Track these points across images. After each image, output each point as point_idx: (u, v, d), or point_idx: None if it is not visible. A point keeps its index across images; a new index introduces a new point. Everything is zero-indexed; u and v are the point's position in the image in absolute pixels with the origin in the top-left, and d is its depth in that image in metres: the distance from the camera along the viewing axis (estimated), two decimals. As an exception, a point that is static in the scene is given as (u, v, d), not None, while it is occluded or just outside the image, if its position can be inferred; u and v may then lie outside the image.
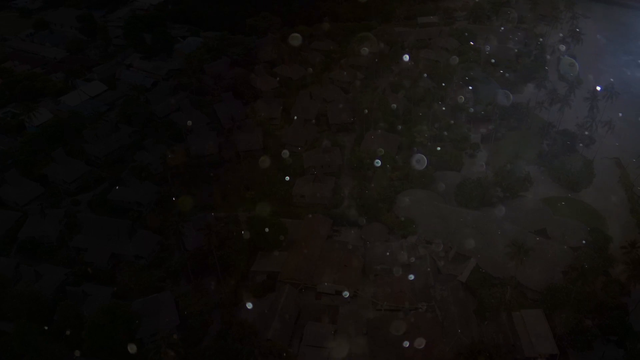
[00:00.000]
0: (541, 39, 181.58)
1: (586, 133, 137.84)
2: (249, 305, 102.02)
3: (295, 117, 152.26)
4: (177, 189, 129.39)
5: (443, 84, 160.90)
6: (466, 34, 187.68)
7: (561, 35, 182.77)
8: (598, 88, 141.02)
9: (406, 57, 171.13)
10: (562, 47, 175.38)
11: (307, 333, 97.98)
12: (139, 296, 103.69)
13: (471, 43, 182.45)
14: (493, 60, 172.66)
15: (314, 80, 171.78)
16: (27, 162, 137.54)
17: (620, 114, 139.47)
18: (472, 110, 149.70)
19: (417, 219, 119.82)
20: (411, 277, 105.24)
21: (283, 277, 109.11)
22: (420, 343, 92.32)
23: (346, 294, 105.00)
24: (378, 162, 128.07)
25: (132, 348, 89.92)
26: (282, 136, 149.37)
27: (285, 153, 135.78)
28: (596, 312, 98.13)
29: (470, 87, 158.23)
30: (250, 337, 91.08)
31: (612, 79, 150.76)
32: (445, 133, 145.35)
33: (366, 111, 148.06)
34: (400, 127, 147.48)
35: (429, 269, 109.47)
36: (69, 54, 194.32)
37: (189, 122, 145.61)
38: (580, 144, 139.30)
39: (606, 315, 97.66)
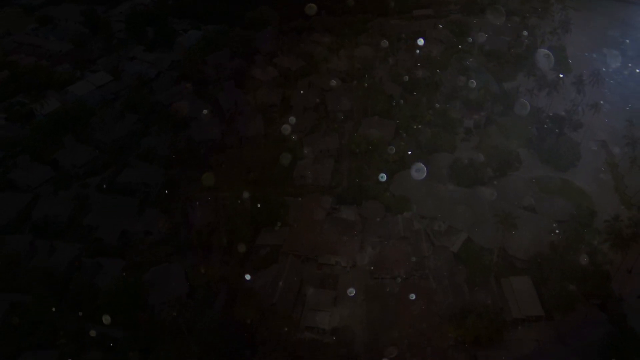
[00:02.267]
0: (526, 32, 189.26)
1: (573, 117, 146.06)
2: (248, 277, 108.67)
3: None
4: (183, 172, 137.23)
5: (438, 72, 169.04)
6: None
7: (548, 29, 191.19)
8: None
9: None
10: (552, 38, 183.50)
11: (309, 299, 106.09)
12: (148, 270, 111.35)
13: (470, 39, 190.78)
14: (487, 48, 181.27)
15: (312, 71, 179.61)
16: (38, 148, 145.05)
17: (602, 102, 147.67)
18: (467, 96, 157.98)
19: (412, 197, 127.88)
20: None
21: (286, 249, 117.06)
22: (416, 307, 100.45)
23: (345, 264, 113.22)
24: (383, 177, 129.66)
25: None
26: (282, 123, 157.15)
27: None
28: (580, 279, 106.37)
29: (463, 77, 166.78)
30: (256, 303, 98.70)
31: (599, 67, 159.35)
32: (439, 119, 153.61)
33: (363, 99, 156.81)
34: (396, 113, 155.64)
35: (423, 241, 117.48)
36: (73, 48, 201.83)
37: (203, 111, 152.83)
38: (568, 127, 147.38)
39: (589, 281, 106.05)
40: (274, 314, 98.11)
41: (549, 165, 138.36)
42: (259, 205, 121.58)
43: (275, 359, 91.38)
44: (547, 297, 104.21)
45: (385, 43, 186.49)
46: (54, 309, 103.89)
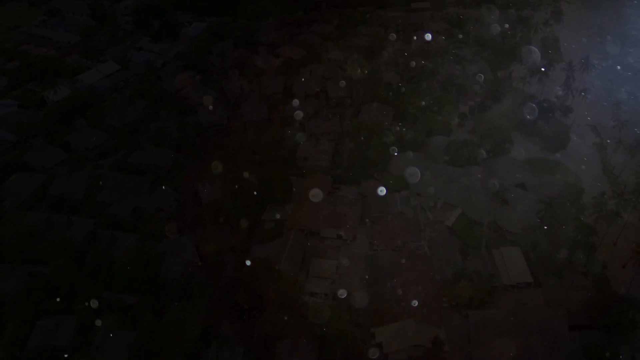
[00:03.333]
0: (507, 25, 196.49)
1: (564, 102, 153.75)
2: (248, 263, 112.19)
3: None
4: (192, 154, 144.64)
5: (435, 61, 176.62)
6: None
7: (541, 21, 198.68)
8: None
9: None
10: (545, 29, 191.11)
11: (312, 267, 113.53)
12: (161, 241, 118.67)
13: (466, 31, 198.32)
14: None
15: (313, 60, 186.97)
16: (51, 132, 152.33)
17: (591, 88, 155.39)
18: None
19: (409, 176, 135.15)
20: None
21: (290, 224, 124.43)
22: (412, 273, 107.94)
23: (346, 237, 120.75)
24: (383, 191, 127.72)
25: (94, 303, 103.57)
26: (284, 109, 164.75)
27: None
28: (568, 249, 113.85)
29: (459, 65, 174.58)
30: (263, 268, 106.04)
31: (589, 55, 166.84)
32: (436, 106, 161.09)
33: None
34: (394, 100, 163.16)
35: (419, 216, 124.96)
36: (81, 39, 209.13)
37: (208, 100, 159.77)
38: (559, 112, 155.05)
39: (576, 251, 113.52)
40: (279, 279, 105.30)
41: (539, 148, 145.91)
42: (265, 184, 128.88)
43: (281, 318, 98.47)
44: (535, 265, 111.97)
45: (383, 34, 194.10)
46: (71, 278, 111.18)
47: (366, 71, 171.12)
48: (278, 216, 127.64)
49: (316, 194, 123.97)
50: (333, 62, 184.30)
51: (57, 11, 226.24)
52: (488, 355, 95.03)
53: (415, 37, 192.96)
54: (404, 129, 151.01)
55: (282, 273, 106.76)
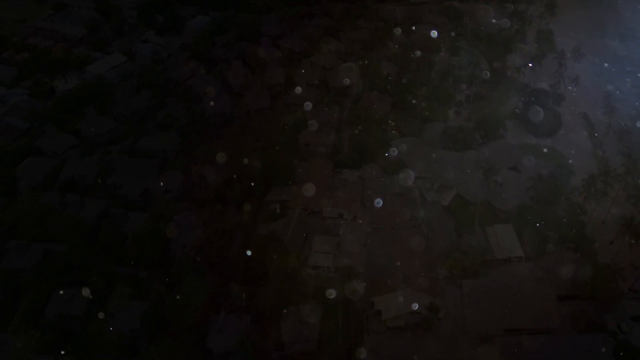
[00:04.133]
0: (503, 18, 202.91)
1: (557, 90, 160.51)
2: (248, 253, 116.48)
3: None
4: (198, 139, 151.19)
5: (432, 52, 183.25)
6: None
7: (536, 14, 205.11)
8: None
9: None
10: (540, 22, 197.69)
11: (314, 243, 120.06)
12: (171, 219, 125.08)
13: (467, 22, 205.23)
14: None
15: (314, 52, 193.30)
16: (62, 119, 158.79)
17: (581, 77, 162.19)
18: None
19: (407, 160, 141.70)
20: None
21: (293, 204, 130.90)
22: (409, 248, 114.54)
23: (347, 216, 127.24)
24: (379, 202, 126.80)
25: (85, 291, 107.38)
26: (287, 99, 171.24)
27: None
28: (558, 227, 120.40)
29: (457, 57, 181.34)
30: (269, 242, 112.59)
31: (582, 46, 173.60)
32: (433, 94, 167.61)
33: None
34: (392, 89, 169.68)
35: (416, 197, 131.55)
36: (87, 32, 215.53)
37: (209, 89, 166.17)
38: (552, 101, 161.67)
39: (566, 228, 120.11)
40: (284, 253, 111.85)
41: (532, 134, 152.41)
42: (269, 168, 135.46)
43: (286, 288, 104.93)
44: (527, 241, 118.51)
45: (382, 26, 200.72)
46: (85, 253, 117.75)
47: (366, 61, 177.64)
48: (282, 198, 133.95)
49: (309, 188, 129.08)
50: (333, 54, 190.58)
51: (63, 5, 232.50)
52: (480, 321, 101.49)
53: (414, 28, 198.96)
54: (401, 119, 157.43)
55: (286, 248, 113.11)
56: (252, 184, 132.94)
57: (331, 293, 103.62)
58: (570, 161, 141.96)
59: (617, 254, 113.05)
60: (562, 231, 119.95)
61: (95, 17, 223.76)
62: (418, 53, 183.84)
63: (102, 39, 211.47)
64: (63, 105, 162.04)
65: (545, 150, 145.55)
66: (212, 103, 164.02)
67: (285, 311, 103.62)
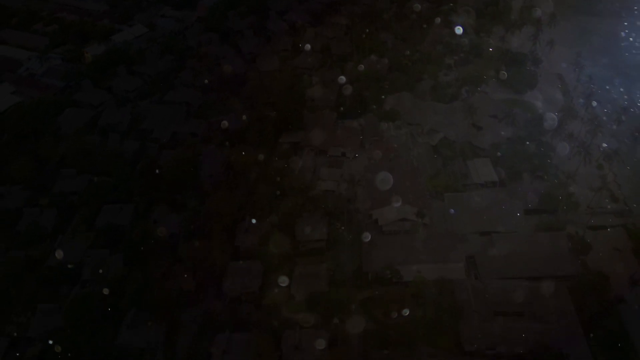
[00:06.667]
0: None
1: (535, 54, 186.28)
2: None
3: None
4: (218, 95, 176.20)
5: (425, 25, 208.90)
6: None
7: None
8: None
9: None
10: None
11: (321, 173, 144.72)
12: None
13: None
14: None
15: (318, 24, 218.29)
16: (95, 78, 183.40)
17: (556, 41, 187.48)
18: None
19: (401, 110, 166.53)
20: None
21: (302, 144, 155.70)
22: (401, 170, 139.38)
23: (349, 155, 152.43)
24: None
25: (59, 254, 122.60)
26: (294, 62, 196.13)
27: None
28: (529, 160, 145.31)
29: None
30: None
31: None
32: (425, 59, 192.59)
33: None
34: (389, 55, 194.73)
35: (408, 139, 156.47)
36: (108, 8, 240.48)
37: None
38: (530, 63, 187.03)
39: (535, 159, 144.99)
40: (296, 179, 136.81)
41: (511, 90, 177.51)
42: (281, 113, 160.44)
43: (298, 202, 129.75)
44: (501, 170, 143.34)
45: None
46: (128, 178, 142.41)
47: (367, 30, 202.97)
48: (292, 140, 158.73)
49: (316, 132, 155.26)
50: (336, 25, 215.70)
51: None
52: (459, 225, 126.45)
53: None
54: (396, 78, 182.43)
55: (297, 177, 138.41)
56: (267, 128, 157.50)
57: (337, 206, 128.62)
58: (541, 111, 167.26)
59: (575, 173, 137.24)
60: (531, 162, 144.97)
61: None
62: (413, 24, 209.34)
63: (123, 14, 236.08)
64: (96, 65, 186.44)
65: (521, 102, 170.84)
66: (227, 66, 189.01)
67: (299, 218, 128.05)
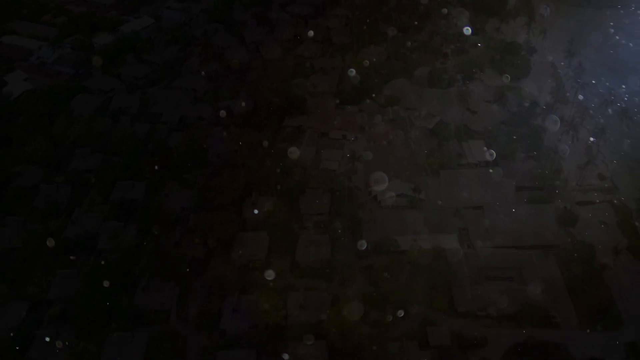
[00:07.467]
0: None
1: (529, 44, 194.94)
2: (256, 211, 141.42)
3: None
4: (222, 82, 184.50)
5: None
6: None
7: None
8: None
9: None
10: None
11: (323, 154, 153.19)
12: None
13: None
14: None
15: (319, 15, 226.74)
16: (105, 65, 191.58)
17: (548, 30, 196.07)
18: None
19: (399, 96, 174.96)
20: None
21: (305, 127, 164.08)
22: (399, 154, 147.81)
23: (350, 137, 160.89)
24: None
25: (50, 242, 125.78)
26: (296, 51, 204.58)
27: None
28: (521, 141, 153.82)
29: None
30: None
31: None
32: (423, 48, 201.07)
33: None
34: (387, 44, 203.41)
35: (406, 123, 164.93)
36: (116, 0, 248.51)
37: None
38: (524, 51, 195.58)
39: (528, 139, 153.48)
40: (300, 159, 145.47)
41: (505, 77, 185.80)
42: (284, 98, 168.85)
43: (302, 179, 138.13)
44: (494, 152, 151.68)
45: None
46: (139, 157, 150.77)
47: (368, 20, 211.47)
48: (295, 123, 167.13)
49: (318, 116, 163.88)
50: (336, 16, 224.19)
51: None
52: (452, 199, 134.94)
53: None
54: (395, 65, 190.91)
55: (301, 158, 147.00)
56: (271, 112, 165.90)
57: (338, 183, 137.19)
58: (533, 97, 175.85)
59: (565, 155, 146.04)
60: (524, 145, 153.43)
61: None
62: (411, 15, 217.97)
63: (130, 5, 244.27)
64: (106, 53, 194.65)
65: (514, 89, 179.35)
66: (232, 54, 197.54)
67: (303, 194, 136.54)
